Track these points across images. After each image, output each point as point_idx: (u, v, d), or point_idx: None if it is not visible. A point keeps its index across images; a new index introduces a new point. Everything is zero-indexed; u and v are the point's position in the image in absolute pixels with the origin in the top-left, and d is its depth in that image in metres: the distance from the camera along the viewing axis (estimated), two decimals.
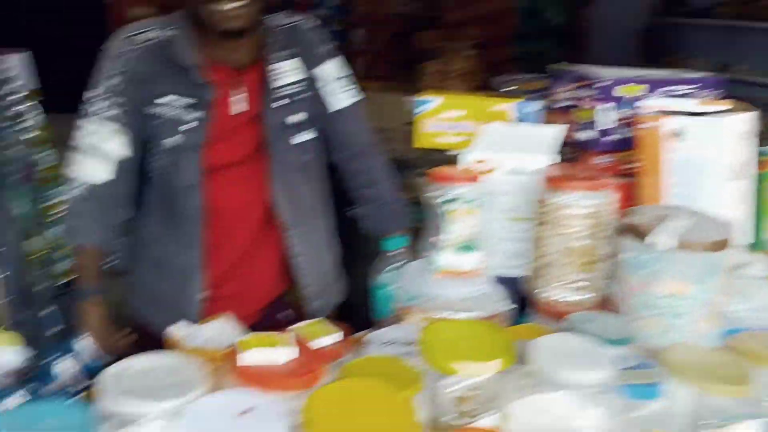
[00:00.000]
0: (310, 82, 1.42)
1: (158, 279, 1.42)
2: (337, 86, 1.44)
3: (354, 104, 1.47)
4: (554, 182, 1.06)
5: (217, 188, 1.38)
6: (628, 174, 1.35)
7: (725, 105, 1.15)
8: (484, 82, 3.95)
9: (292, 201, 1.43)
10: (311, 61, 1.42)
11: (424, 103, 1.29)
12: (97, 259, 1.36)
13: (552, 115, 1.46)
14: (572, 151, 1.44)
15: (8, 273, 1.61)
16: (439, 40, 4.93)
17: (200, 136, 1.33)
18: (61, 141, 1.91)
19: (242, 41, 1.32)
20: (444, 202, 1.00)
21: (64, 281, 1.90)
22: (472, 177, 1.02)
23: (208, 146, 1.34)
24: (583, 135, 1.34)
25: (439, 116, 1.28)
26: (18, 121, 1.70)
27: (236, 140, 1.38)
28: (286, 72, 1.38)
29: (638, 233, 0.94)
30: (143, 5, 3.50)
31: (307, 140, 1.43)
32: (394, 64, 5.46)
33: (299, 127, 1.41)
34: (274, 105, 1.37)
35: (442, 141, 1.29)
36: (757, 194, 1.17)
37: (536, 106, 1.23)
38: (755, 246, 1.16)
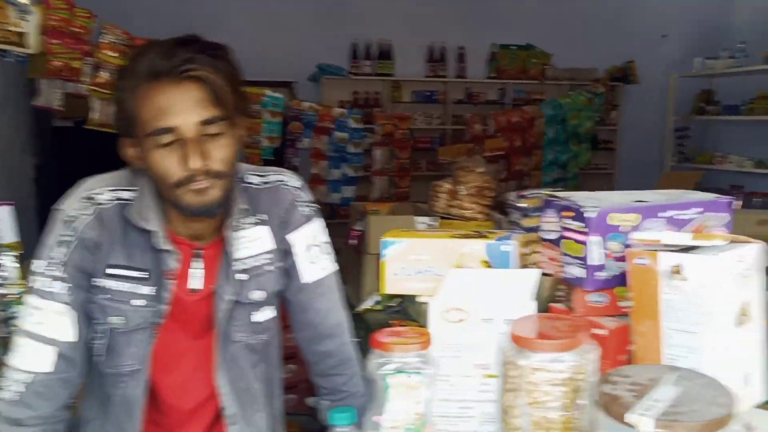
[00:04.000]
0: (278, 252, 1.27)
1: None
2: (311, 256, 1.29)
3: (327, 277, 1.32)
4: (521, 341, 0.90)
5: (163, 374, 1.24)
6: (627, 314, 1.19)
7: (725, 238, 0.99)
8: (498, 198, 3.86)
9: (240, 390, 1.28)
10: (282, 228, 1.27)
11: (390, 244, 1.16)
12: None
13: (544, 247, 1.32)
14: (566, 290, 1.29)
15: None
16: (463, 154, 4.92)
17: (151, 314, 1.19)
18: None
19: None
20: (386, 374, 0.85)
21: None
22: (420, 343, 0.88)
23: (158, 326, 1.20)
24: (573, 271, 1.20)
25: (406, 259, 1.15)
26: None
27: (189, 321, 1.24)
28: (251, 242, 1.24)
29: (617, 407, 0.77)
30: None
31: (265, 320, 1.28)
32: (418, 182, 5.47)
33: (255, 305, 1.26)
34: (230, 281, 1.22)
35: (410, 286, 1.15)
36: None
37: (509, 246, 1.10)
38: None
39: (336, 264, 1.37)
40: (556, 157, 5.70)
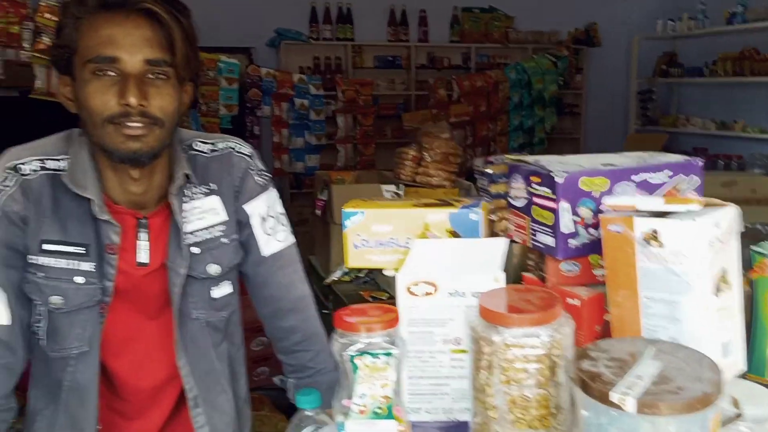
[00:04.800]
0: (233, 224, 1.19)
1: None
2: (267, 227, 1.22)
3: (285, 249, 1.25)
4: (492, 315, 0.84)
5: (116, 357, 1.16)
6: (602, 283, 1.14)
7: (699, 201, 0.94)
8: (469, 165, 3.82)
9: (202, 371, 1.20)
10: (236, 198, 1.20)
11: (350, 215, 1.09)
12: None
13: (512, 215, 1.26)
14: (536, 259, 1.24)
15: None
16: (428, 120, 4.85)
17: (95, 292, 1.11)
18: None
19: (145, 173, 1.10)
20: (351, 356, 0.79)
21: None
22: (387, 321, 0.81)
23: (104, 305, 1.12)
24: (543, 239, 1.14)
25: (369, 230, 1.08)
26: None
27: (140, 298, 1.16)
28: (203, 212, 1.16)
29: (597, 385, 0.72)
30: None
31: (223, 296, 1.20)
32: (383, 149, 5.37)
33: (213, 281, 1.18)
34: (182, 255, 1.14)
35: (374, 259, 1.09)
36: (752, 306, 0.94)
37: (477, 214, 1.03)
38: (751, 372, 0.93)
39: (293, 236, 1.30)
40: (522, 122, 5.66)
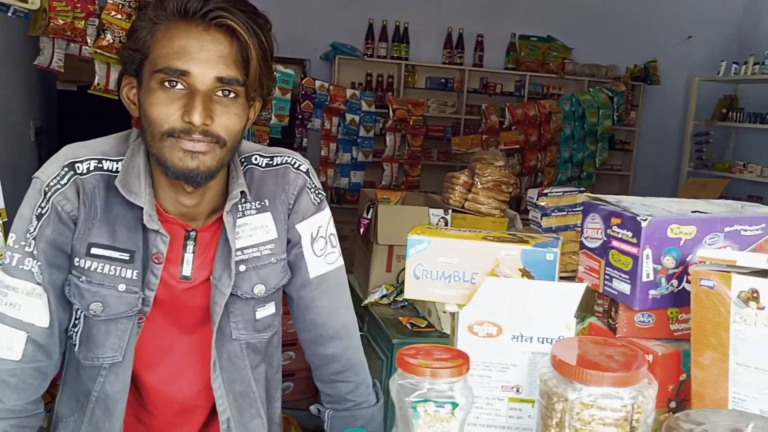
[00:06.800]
0: (282, 243, 1.14)
1: None
2: (317, 248, 1.16)
3: (333, 272, 1.19)
4: (567, 369, 0.76)
5: (148, 370, 1.11)
6: (677, 338, 1.05)
7: None
8: (516, 194, 3.73)
9: (238, 393, 1.15)
10: (289, 216, 1.14)
11: (416, 243, 1.01)
12: None
13: (584, 256, 1.18)
14: (606, 306, 1.15)
15: None
16: (477, 145, 4.77)
17: (135, 301, 1.06)
18: None
19: (200, 190, 1.06)
20: (414, 402, 0.71)
21: None
22: (456, 368, 0.74)
23: (143, 315, 1.07)
24: (619, 286, 1.05)
25: (434, 261, 1.01)
26: None
27: (179, 312, 1.11)
28: (254, 230, 1.11)
29: None
30: None
31: (266, 317, 1.15)
32: (428, 171, 5.31)
33: (257, 301, 1.13)
34: (229, 274, 1.09)
35: (436, 293, 1.01)
36: None
37: (551, 254, 0.96)
38: None
39: (342, 258, 1.24)
40: (572, 155, 5.53)
